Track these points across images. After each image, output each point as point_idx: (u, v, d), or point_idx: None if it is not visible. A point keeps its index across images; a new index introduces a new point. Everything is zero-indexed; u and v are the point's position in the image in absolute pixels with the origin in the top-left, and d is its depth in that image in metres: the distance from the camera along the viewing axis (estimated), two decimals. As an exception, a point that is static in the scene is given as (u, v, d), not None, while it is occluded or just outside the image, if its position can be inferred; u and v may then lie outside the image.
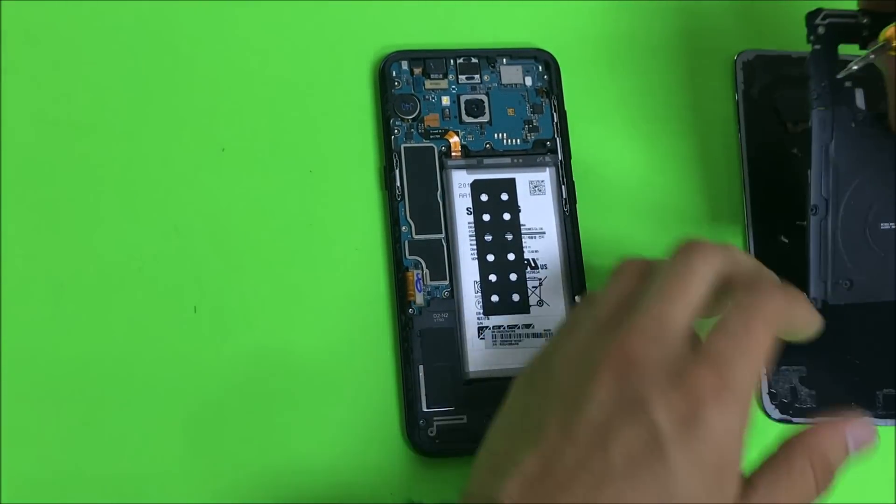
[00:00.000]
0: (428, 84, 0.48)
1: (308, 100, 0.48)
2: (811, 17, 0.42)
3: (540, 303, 0.46)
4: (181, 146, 0.47)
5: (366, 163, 0.48)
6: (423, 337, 0.45)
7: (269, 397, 0.45)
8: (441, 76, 0.48)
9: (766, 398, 0.47)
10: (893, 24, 0.39)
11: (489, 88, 0.49)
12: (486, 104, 0.48)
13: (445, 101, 0.48)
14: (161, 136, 0.47)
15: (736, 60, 0.51)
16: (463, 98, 0.48)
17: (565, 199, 0.47)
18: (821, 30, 0.41)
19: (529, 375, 0.37)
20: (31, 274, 0.45)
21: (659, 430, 0.33)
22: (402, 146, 0.47)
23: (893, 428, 0.47)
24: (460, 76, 0.48)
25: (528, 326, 0.46)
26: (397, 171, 0.47)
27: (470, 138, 0.48)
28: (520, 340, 0.46)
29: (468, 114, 0.48)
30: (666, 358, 0.34)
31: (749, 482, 0.35)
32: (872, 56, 0.40)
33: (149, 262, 0.46)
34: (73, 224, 0.46)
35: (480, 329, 0.45)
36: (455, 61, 0.49)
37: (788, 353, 0.47)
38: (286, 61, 0.49)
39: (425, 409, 0.44)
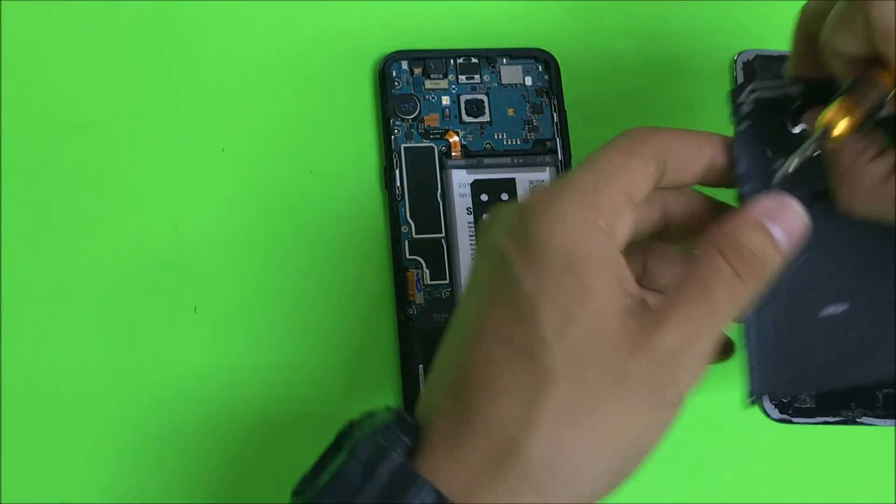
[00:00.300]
0: (428, 84, 0.48)
1: (308, 100, 0.48)
2: (735, 93, 0.36)
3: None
4: (181, 146, 0.47)
5: (366, 163, 0.48)
6: (423, 337, 0.45)
7: (269, 397, 0.45)
8: (441, 76, 0.48)
9: (766, 398, 0.47)
10: (831, 105, 0.33)
11: (489, 88, 0.49)
12: (486, 104, 0.48)
13: (445, 101, 0.48)
14: (161, 136, 0.47)
15: (736, 60, 0.51)
16: (463, 98, 0.48)
17: None
18: (746, 108, 0.36)
19: None
20: (31, 274, 0.45)
21: (503, 252, 0.32)
22: (402, 146, 0.47)
23: (893, 428, 0.47)
24: (460, 76, 0.48)
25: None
26: (397, 171, 0.47)
27: (470, 138, 0.48)
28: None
29: (468, 114, 0.48)
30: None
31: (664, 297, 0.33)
32: (810, 152, 0.34)
33: (149, 262, 0.46)
34: (73, 224, 0.46)
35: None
36: (455, 61, 0.49)
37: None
38: (286, 61, 0.49)
39: None
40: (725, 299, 0.32)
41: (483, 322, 0.32)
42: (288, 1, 0.49)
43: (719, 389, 0.47)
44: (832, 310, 0.36)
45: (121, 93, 0.47)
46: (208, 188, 0.47)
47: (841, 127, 0.33)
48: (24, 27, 0.48)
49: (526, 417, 0.31)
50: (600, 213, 0.32)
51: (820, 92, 0.35)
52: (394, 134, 0.47)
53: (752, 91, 0.36)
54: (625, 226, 0.33)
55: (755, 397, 0.36)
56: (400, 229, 0.46)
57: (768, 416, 0.47)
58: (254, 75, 0.48)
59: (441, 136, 0.48)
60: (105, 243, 0.46)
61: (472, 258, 0.34)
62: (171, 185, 0.47)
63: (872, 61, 0.34)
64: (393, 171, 0.47)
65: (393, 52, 0.48)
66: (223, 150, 0.47)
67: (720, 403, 0.47)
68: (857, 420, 0.47)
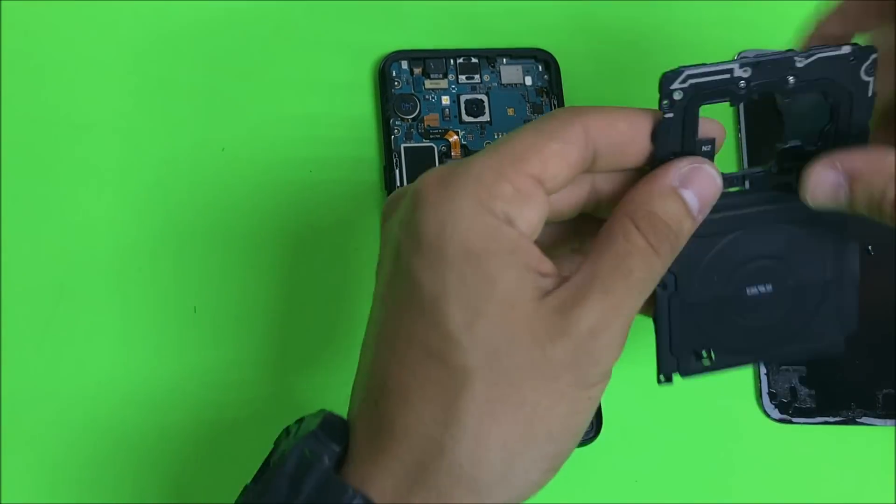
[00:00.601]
0: (428, 84, 0.48)
1: (308, 100, 0.48)
2: (667, 80, 0.35)
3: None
4: (181, 146, 0.47)
5: (366, 163, 0.48)
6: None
7: (269, 397, 0.45)
8: (441, 76, 0.48)
9: (766, 398, 0.47)
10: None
11: (489, 88, 0.49)
12: (486, 104, 0.48)
13: (445, 100, 0.48)
14: (161, 135, 0.47)
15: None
16: (463, 98, 0.48)
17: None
18: (678, 95, 0.34)
19: None
20: (31, 274, 0.45)
21: (398, 245, 0.31)
22: (402, 146, 0.47)
23: (893, 428, 0.47)
24: (460, 76, 0.48)
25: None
26: (397, 171, 0.47)
27: (470, 138, 0.48)
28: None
29: (468, 113, 0.48)
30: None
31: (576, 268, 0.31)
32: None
33: (149, 262, 0.46)
34: (73, 224, 0.46)
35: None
36: (455, 61, 0.49)
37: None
38: (286, 61, 0.49)
39: None
40: (642, 274, 0.31)
41: (389, 324, 0.31)
42: (288, 1, 0.49)
43: (719, 389, 0.47)
44: (756, 290, 0.36)
45: (121, 93, 0.47)
46: (208, 188, 0.47)
47: None
48: (24, 27, 0.48)
49: (447, 419, 0.30)
50: (499, 201, 0.30)
51: (768, 74, 0.34)
52: (394, 134, 0.47)
53: (688, 78, 0.34)
54: (534, 211, 0.31)
55: (664, 376, 0.35)
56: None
57: (768, 416, 0.47)
58: (254, 75, 0.48)
59: (441, 136, 0.48)
60: (105, 243, 0.46)
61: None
62: (171, 185, 0.47)
63: None
64: (393, 171, 0.47)
65: (393, 52, 0.48)
66: (223, 149, 0.47)
67: (720, 403, 0.47)
68: (858, 420, 0.47)
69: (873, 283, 0.48)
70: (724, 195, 0.34)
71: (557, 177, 0.32)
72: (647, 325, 0.47)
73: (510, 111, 0.49)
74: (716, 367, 0.36)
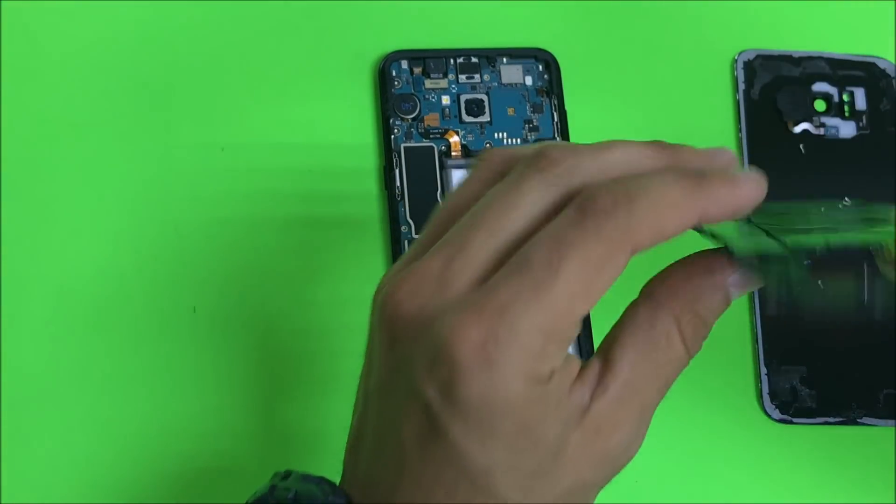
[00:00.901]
0: (428, 84, 0.48)
1: (308, 100, 0.48)
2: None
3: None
4: (181, 146, 0.47)
5: (366, 163, 0.48)
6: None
7: (269, 398, 0.45)
8: (441, 76, 0.48)
9: (767, 398, 0.47)
10: None
11: (489, 88, 0.49)
12: (487, 104, 0.48)
13: (445, 100, 0.48)
14: (161, 136, 0.47)
15: (736, 60, 0.51)
16: (463, 98, 0.48)
17: (565, 198, 0.47)
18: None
19: None
20: (31, 275, 0.45)
21: (429, 405, 0.28)
22: (402, 146, 0.47)
23: (894, 428, 0.47)
24: (460, 76, 0.48)
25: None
26: (397, 171, 0.47)
27: (470, 138, 0.48)
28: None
29: (468, 113, 0.48)
30: (435, 313, 0.28)
31: (607, 362, 0.29)
32: None
33: (149, 262, 0.46)
34: (74, 224, 0.46)
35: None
36: (455, 61, 0.49)
37: (789, 353, 0.47)
38: (286, 61, 0.49)
39: None
40: (674, 378, 0.30)
41: (413, 467, 0.28)
42: (288, 1, 0.49)
43: (719, 390, 0.47)
44: None
45: (121, 93, 0.47)
46: (208, 188, 0.47)
47: None
48: (24, 27, 0.48)
49: None
50: (547, 363, 0.28)
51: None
52: (394, 134, 0.47)
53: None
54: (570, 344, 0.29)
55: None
56: (400, 229, 0.46)
57: (768, 416, 0.47)
58: (254, 75, 0.48)
59: (441, 135, 0.48)
60: (105, 243, 0.46)
61: (377, 369, 0.30)
62: (171, 185, 0.47)
63: None
64: (393, 171, 0.47)
65: (393, 52, 0.48)
66: (223, 149, 0.47)
67: (720, 403, 0.47)
68: (858, 420, 0.47)
69: (873, 283, 0.48)
70: None
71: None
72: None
73: (510, 111, 0.48)
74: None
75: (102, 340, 0.45)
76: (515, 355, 0.27)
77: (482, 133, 0.48)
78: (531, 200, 0.29)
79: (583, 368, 0.29)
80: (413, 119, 0.48)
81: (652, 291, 0.30)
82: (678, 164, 0.30)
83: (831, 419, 0.47)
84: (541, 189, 0.29)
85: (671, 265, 0.31)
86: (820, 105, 0.51)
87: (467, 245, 0.29)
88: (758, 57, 0.51)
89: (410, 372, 0.28)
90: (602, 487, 0.30)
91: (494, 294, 0.28)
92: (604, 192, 0.28)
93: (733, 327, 0.47)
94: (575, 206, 0.28)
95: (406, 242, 0.46)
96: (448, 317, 0.28)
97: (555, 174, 0.29)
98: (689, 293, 0.30)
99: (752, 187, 0.30)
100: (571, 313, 0.28)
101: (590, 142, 0.50)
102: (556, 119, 0.49)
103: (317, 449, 0.44)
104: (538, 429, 0.28)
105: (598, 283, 0.28)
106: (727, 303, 0.30)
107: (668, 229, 0.28)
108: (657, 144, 0.30)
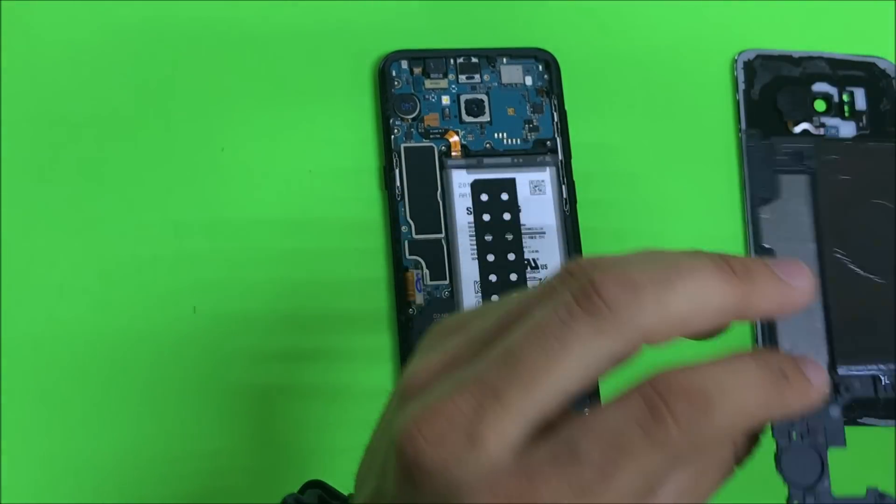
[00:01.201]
0: (428, 84, 0.48)
1: (308, 99, 0.48)
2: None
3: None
4: (181, 146, 0.47)
5: (366, 163, 0.48)
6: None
7: (269, 398, 0.45)
8: (441, 76, 0.48)
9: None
10: None
11: (489, 88, 0.49)
12: (486, 104, 0.48)
13: (445, 100, 0.48)
14: (161, 136, 0.47)
15: (736, 60, 0.51)
16: (463, 98, 0.48)
17: (565, 199, 0.47)
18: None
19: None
20: (31, 274, 0.45)
21: None
22: (402, 146, 0.47)
23: (893, 428, 0.47)
24: (460, 76, 0.48)
25: (528, 326, 0.46)
26: (397, 171, 0.47)
27: (470, 138, 0.48)
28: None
29: (468, 113, 0.48)
30: (464, 478, 0.25)
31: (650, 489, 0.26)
32: None
33: (149, 262, 0.46)
34: (73, 224, 0.46)
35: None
36: (455, 61, 0.49)
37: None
38: (286, 61, 0.49)
39: None
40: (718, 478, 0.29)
41: None
42: (288, 1, 0.49)
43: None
44: None
45: (121, 93, 0.47)
46: (208, 188, 0.47)
47: None
48: (24, 27, 0.48)
49: None
50: None
51: None
52: (394, 134, 0.47)
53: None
54: None
55: None
56: (400, 229, 0.46)
57: (768, 416, 0.47)
58: (254, 75, 0.48)
59: (441, 135, 0.48)
60: (105, 243, 0.46)
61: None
62: (171, 185, 0.47)
63: None
64: (393, 171, 0.47)
65: (393, 52, 0.48)
66: (223, 149, 0.47)
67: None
68: (858, 420, 0.47)
69: (873, 283, 0.48)
70: None
71: None
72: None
73: (510, 111, 0.48)
74: None
75: (102, 340, 0.45)
76: None
77: (482, 133, 0.48)
78: (579, 355, 0.25)
79: None
80: (413, 119, 0.48)
81: (708, 410, 0.26)
82: (753, 307, 0.27)
83: (831, 419, 0.47)
84: (591, 342, 0.25)
85: None
86: (820, 105, 0.51)
87: (502, 395, 0.25)
88: (758, 57, 0.51)
89: None
90: None
91: (537, 485, 0.24)
92: (678, 396, 0.25)
93: (733, 329, 0.47)
94: (643, 405, 0.25)
95: (406, 242, 0.46)
96: (480, 493, 0.25)
97: (611, 323, 0.25)
98: (746, 401, 0.26)
99: (822, 383, 0.27)
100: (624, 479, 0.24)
101: (590, 143, 0.49)
102: (555, 119, 0.49)
103: (316, 449, 0.44)
104: None
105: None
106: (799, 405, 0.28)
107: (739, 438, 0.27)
108: (727, 272, 0.26)
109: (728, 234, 0.49)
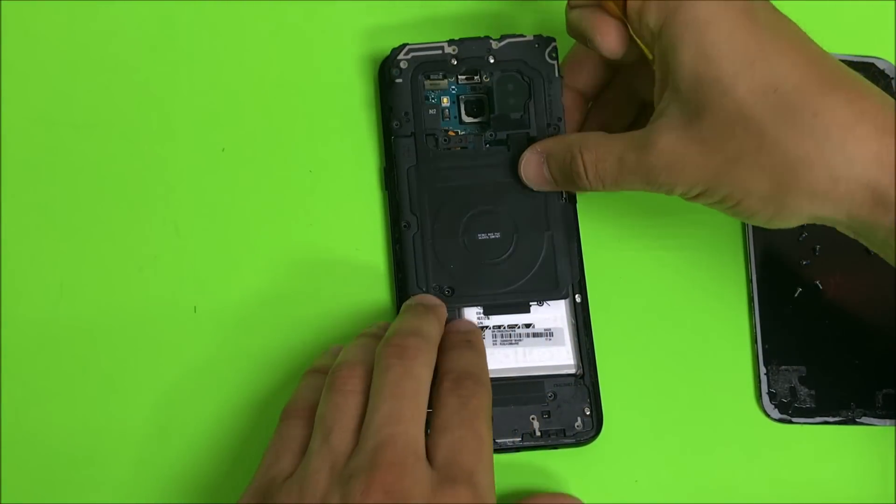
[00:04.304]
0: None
1: (308, 100, 0.48)
2: (395, 52, 0.46)
3: (540, 302, 0.46)
4: (181, 146, 0.47)
5: (366, 163, 0.48)
6: (423, 337, 0.45)
7: (269, 399, 0.45)
8: (441, 76, 0.48)
9: (766, 398, 0.47)
10: None
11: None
12: (486, 104, 0.48)
13: (445, 101, 0.48)
14: (161, 135, 0.47)
15: (736, 60, 0.51)
16: (463, 98, 0.48)
17: (566, 198, 0.47)
18: (403, 64, 0.46)
19: None
20: (31, 274, 0.45)
21: None
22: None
23: (893, 428, 0.47)
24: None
25: (528, 326, 0.46)
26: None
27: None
28: (520, 340, 0.46)
29: (468, 113, 0.48)
30: (420, 487, 0.35)
31: None
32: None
33: (149, 262, 0.46)
34: (73, 224, 0.46)
35: (481, 329, 0.45)
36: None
37: (788, 353, 0.47)
38: (286, 61, 0.49)
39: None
40: None
41: None
42: (288, 1, 0.49)
43: (719, 390, 0.47)
44: (486, 236, 0.45)
45: (121, 93, 0.47)
46: (208, 188, 0.47)
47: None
48: (24, 27, 0.48)
49: None
50: None
51: (471, 52, 0.46)
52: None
53: (409, 52, 0.45)
54: None
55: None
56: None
57: (768, 416, 0.47)
58: (254, 75, 0.48)
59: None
60: (105, 243, 0.46)
61: None
62: (171, 185, 0.47)
63: None
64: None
65: (393, 52, 0.48)
66: (223, 149, 0.47)
67: (720, 403, 0.47)
68: (857, 420, 0.47)
69: (873, 283, 0.48)
70: (454, 154, 0.45)
71: None
72: (645, 328, 0.47)
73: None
74: (452, 301, 0.44)
75: (102, 340, 0.45)
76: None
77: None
78: (424, 379, 0.41)
79: None
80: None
81: None
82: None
83: (830, 419, 0.47)
84: (426, 370, 0.41)
85: None
86: (820, 105, 0.51)
87: (407, 437, 0.38)
88: (757, 57, 0.51)
89: None
90: None
91: (457, 467, 0.37)
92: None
93: (733, 328, 0.48)
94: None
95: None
96: (437, 488, 0.36)
97: (427, 355, 0.41)
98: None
99: None
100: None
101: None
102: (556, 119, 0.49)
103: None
104: None
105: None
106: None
107: None
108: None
109: (727, 232, 0.49)
